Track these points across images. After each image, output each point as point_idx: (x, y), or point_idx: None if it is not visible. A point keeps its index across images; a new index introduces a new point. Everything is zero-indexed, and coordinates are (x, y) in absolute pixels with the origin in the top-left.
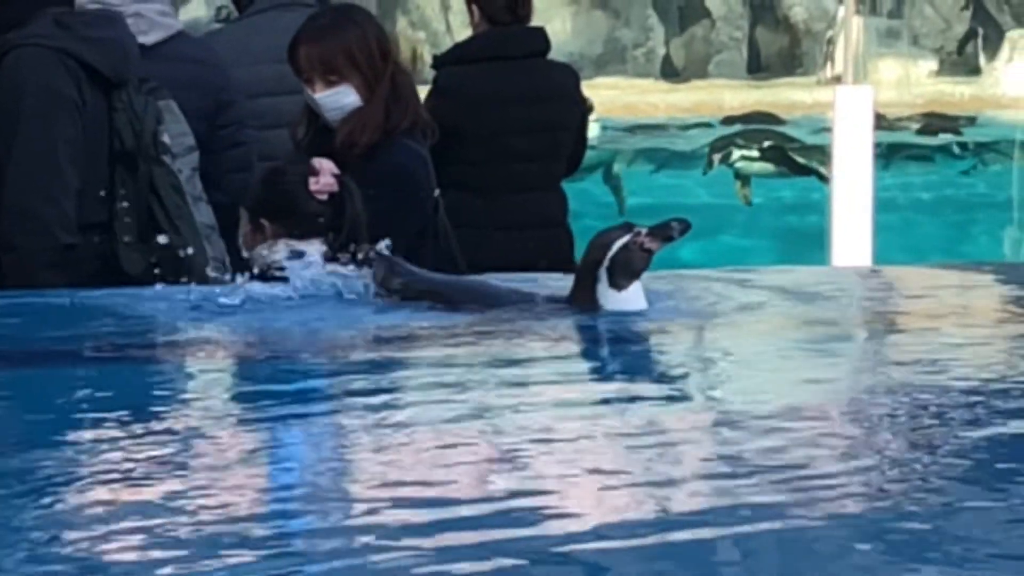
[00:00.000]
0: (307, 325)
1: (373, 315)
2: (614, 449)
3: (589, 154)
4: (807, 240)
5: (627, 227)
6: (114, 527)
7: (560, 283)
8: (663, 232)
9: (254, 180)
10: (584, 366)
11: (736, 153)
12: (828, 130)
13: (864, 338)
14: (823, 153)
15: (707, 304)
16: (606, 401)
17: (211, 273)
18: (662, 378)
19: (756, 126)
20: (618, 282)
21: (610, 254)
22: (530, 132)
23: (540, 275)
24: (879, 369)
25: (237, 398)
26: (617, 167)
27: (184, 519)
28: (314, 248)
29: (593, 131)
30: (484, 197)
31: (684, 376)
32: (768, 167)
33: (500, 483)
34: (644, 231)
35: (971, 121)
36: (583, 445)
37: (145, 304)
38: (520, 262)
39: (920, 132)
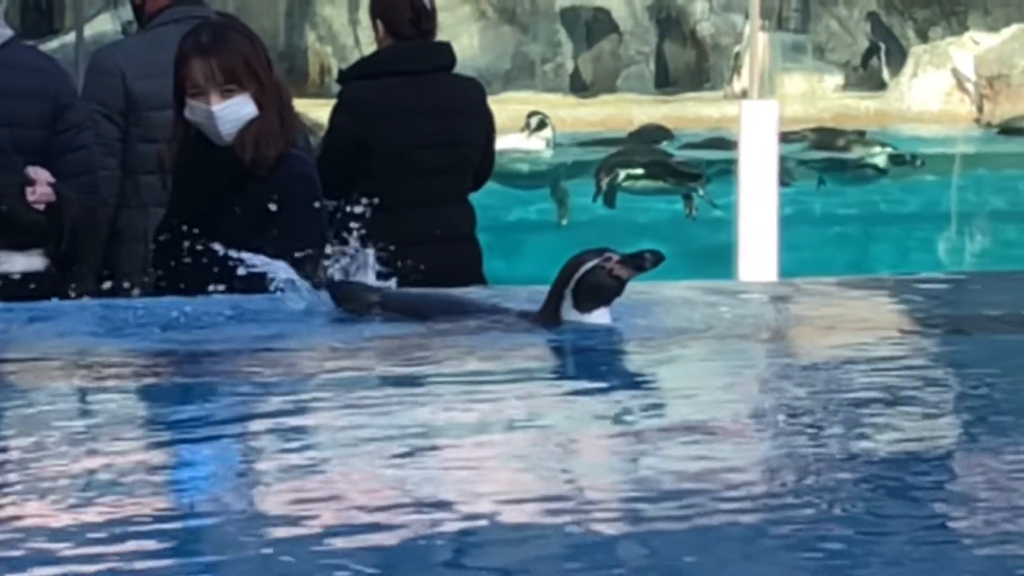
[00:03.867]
0: (266, 341)
1: (331, 329)
2: (524, 467)
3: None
4: (705, 255)
5: (600, 252)
6: None
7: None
8: (635, 262)
9: None
10: (521, 381)
11: (622, 173)
12: (695, 146)
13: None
14: (692, 167)
15: (672, 321)
16: (522, 414)
17: None
18: (580, 394)
19: (641, 143)
20: (583, 304)
21: (576, 276)
22: (436, 146)
23: (522, 289)
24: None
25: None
26: (564, 181)
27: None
28: None
29: (542, 145)
30: (391, 212)
31: (607, 395)
32: (652, 184)
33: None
34: (616, 258)
35: (861, 135)
36: (494, 464)
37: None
38: (428, 277)
39: (815, 147)
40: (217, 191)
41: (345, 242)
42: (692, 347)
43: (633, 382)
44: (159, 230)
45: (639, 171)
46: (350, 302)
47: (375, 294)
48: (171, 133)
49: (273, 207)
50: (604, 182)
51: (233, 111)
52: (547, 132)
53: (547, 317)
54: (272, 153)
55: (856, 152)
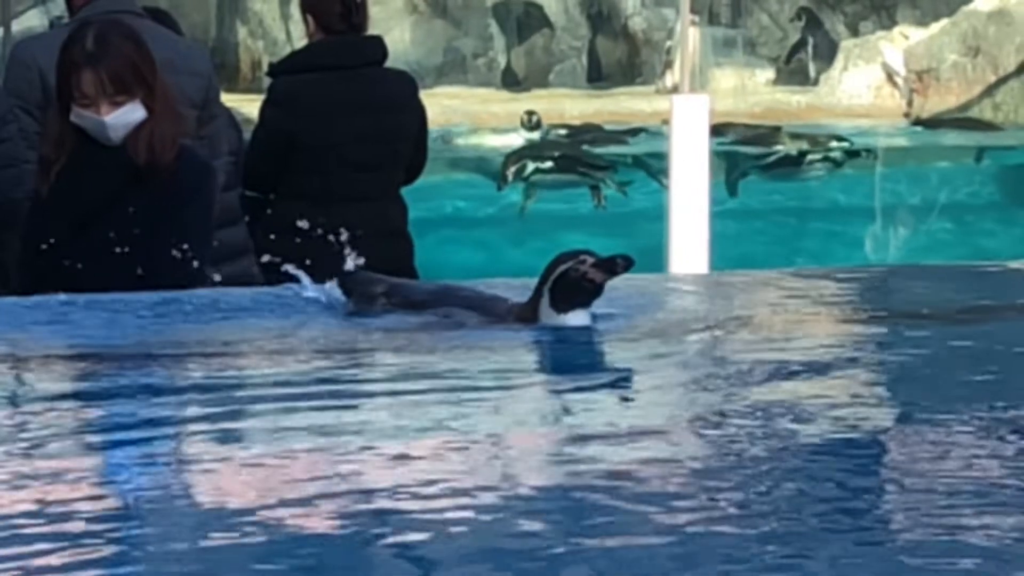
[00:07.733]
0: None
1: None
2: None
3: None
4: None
5: (576, 254)
6: None
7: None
8: (607, 266)
9: None
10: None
11: (530, 166)
12: (601, 141)
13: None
14: (601, 159)
15: (651, 318)
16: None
17: None
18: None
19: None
20: (559, 305)
21: (552, 277)
22: (367, 141)
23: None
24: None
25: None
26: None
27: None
28: None
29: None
30: (321, 207)
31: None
32: (561, 177)
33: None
34: (590, 261)
35: (777, 130)
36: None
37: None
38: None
39: (742, 143)
40: (111, 190)
41: (274, 236)
42: (658, 345)
43: (580, 383)
44: (38, 232)
45: (548, 164)
46: (359, 295)
47: (381, 286)
48: (54, 133)
49: (168, 202)
50: (511, 172)
51: (123, 119)
52: (538, 132)
53: (526, 316)
54: (168, 157)
55: (808, 148)
